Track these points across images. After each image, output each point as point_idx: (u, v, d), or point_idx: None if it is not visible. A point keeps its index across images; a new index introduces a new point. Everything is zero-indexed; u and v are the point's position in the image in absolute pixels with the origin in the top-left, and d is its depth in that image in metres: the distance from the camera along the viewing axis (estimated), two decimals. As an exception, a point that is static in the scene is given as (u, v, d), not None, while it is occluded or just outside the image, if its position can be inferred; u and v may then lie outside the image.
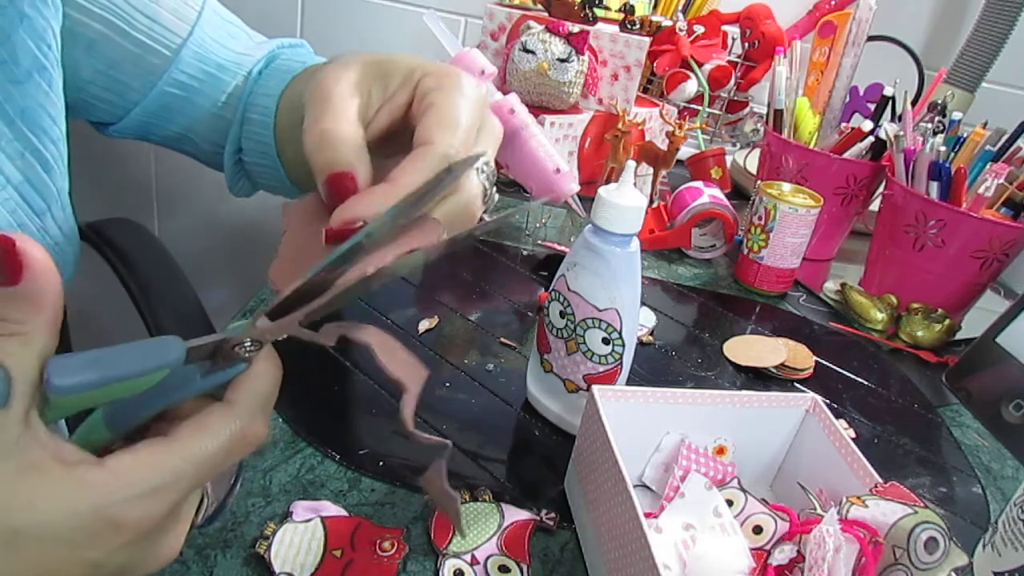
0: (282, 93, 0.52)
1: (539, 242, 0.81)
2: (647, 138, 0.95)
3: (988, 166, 0.73)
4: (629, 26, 0.96)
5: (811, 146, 0.87)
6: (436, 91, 0.35)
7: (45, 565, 0.25)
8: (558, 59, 0.84)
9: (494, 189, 0.38)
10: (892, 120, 0.85)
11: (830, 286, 0.84)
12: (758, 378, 0.65)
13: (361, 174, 0.32)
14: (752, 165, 1.06)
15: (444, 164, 0.32)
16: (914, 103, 0.81)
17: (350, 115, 0.33)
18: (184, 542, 0.30)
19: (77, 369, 0.25)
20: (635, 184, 0.46)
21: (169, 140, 0.56)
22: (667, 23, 1.10)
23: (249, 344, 0.28)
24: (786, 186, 0.81)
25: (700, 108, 1.12)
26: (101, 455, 0.27)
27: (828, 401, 0.63)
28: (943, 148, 0.75)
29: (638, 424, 0.44)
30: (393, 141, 0.37)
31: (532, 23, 0.86)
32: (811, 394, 0.46)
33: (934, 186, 0.74)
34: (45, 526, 0.24)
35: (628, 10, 0.97)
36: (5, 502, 0.24)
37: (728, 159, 0.99)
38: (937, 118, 0.81)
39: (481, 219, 0.31)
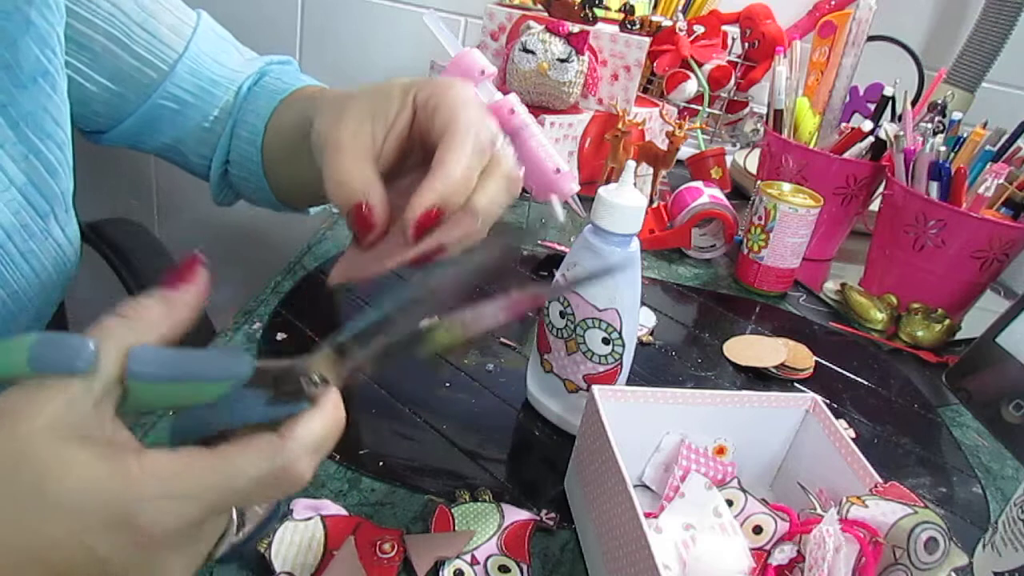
0: (270, 115, 0.54)
1: (539, 242, 0.81)
2: (647, 138, 0.94)
3: (988, 166, 0.73)
4: (629, 26, 0.96)
5: (811, 146, 0.87)
6: (438, 95, 0.38)
7: (54, 542, 0.25)
8: (558, 59, 0.84)
9: None
10: (892, 120, 0.85)
11: (830, 286, 0.84)
12: (758, 378, 0.65)
13: (374, 201, 0.35)
14: (752, 165, 1.06)
15: (475, 140, 0.35)
16: (914, 103, 0.81)
17: (358, 156, 0.36)
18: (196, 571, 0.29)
19: (153, 361, 0.27)
20: (635, 184, 0.46)
21: (157, 150, 0.57)
22: (667, 23, 1.10)
23: (316, 378, 0.29)
24: (786, 186, 0.81)
25: (700, 108, 1.12)
26: None
27: (828, 401, 0.63)
28: (943, 148, 0.75)
29: (638, 424, 0.44)
30: (409, 158, 0.40)
31: (532, 23, 0.86)
32: (811, 394, 0.46)
33: (934, 186, 0.74)
34: (68, 498, 0.25)
35: (628, 10, 0.97)
36: (45, 462, 0.25)
37: (728, 159, 0.99)
38: (937, 118, 0.81)
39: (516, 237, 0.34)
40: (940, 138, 0.76)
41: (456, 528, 0.42)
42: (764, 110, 1.03)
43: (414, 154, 0.40)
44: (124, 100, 0.51)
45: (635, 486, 0.44)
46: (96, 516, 0.25)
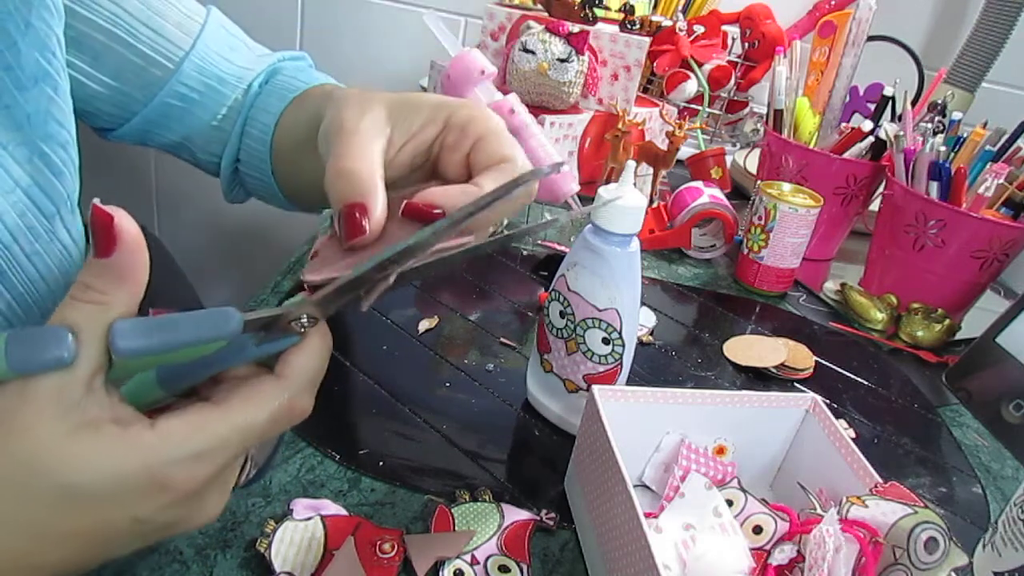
0: (281, 112, 0.53)
1: (539, 242, 0.81)
2: (647, 138, 0.95)
3: (988, 166, 0.73)
4: (629, 26, 0.96)
5: (811, 146, 0.87)
6: (479, 121, 0.38)
7: (94, 520, 0.26)
8: (558, 59, 0.84)
9: None
10: (892, 120, 0.85)
11: (830, 286, 0.84)
12: (758, 378, 0.65)
13: (375, 206, 0.33)
14: (752, 165, 1.06)
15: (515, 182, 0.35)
16: (914, 103, 0.81)
17: (370, 153, 0.35)
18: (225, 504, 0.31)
19: (140, 334, 0.26)
20: (635, 184, 0.46)
21: (167, 147, 0.57)
22: (667, 23, 1.10)
23: (305, 320, 0.29)
24: (786, 186, 0.81)
25: (700, 108, 1.12)
26: (151, 412, 0.28)
27: (828, 401, 0.63)
28: (943, 148, 0.75)
29: (638, 424, 0.44)
30: (415, 172, 0.40)
31: (532, 23, 0.86)
32: (811, 394, 0.46)
33: (934, 186, 0.74)
34: (96, 483, 0.26)
35: (628, 10, 0.97)
36: (60, 458, 0.25)
37: (728, 159, 0.99)
38: (937, 118, 0.81)
39: (503, 232, 0.33)
40: (940, 138, 0.76)
41: (456, 528, 0.42)
42: (764, 110, 1.03)
43: (422, 169, 0.40)
44: (130, 98, 0.51)
45: (635, 486, 0.44)
46: (131, 490, 0.26)
